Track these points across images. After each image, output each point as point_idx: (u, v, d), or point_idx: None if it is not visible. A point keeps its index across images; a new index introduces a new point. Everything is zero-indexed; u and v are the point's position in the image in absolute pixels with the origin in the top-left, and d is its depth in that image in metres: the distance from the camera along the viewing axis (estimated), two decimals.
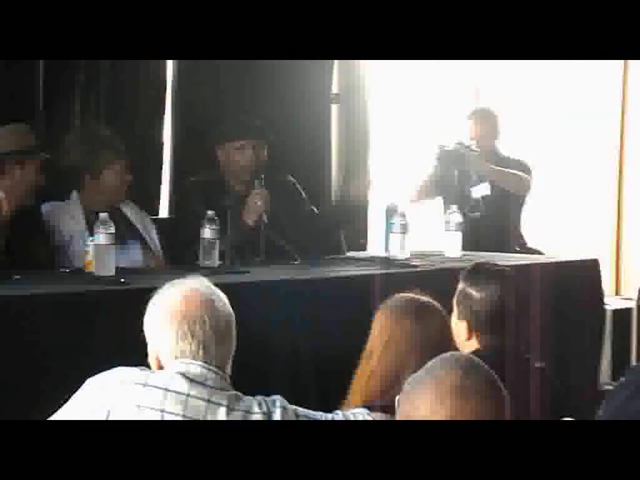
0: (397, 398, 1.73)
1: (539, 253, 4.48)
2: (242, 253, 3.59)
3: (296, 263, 3.65)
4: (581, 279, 4.05)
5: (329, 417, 2.19)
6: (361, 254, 4.27)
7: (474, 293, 2.61)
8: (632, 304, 4.80)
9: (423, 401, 1.66)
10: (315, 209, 4.09)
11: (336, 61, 4.66)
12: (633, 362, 4.53)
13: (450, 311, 2.50)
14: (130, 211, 3.73)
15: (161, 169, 4.37)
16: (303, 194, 4.08)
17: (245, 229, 3.69)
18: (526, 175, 4.56)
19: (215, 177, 3.95)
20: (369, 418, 2.12)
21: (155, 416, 1.99)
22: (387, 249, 3.78)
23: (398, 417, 1.73)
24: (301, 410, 2.14)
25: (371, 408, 2.15)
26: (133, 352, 2.16)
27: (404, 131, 5.34)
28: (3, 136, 3.40)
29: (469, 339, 2.56)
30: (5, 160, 3.34)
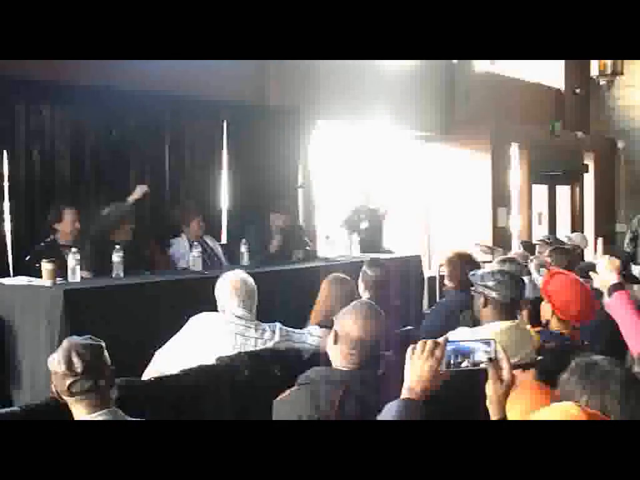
0: (333, 319, 2.97)
1: (390, 252, 7.57)
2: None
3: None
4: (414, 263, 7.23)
5: (304, 331, 4.11)
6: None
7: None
8: (435, 273, 8.01)
9: (347, 320, 2.85)
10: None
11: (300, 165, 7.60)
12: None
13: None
14: (208, 239, 6.58)
15: (221, 214, 7.33)
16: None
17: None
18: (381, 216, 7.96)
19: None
20: (319, 330, 4.10)
21: (231, 333, 3.88)
22: (325, 253, 6.77)
23: (335, 327, 2.87)
24: (288, 329, 4.06)
25: (320, 325, 4.13)
26: (210, 306, 4.12)
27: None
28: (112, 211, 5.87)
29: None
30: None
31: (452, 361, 2.27)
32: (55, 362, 2.57)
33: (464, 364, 2.28)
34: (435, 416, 2.30)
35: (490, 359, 2.28)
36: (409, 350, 2.30)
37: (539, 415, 1.83)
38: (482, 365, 2.28)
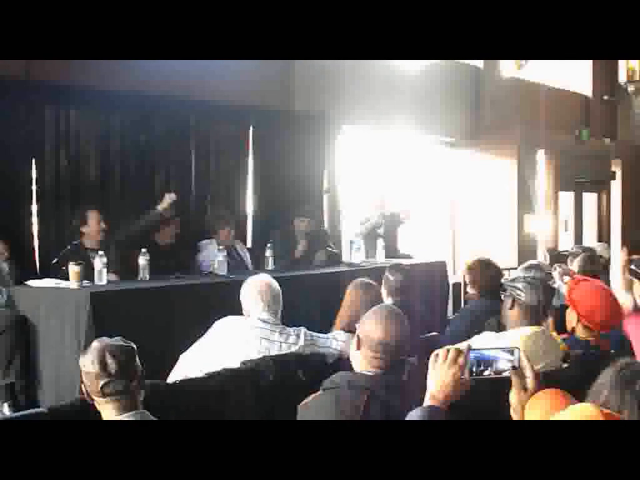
0: (356, 325, 2.97)
1: (410, 257, 7.63)
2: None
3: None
4: (440, 268, 7.32)
5: (328, 336, 4.12)
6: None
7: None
8: (460, 279, 7.73)
9: (369, 323, 2.85)
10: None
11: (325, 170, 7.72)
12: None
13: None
14: (238, 245, 6.67)
15: (247, 219, 7.52)
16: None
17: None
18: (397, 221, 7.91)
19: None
20: (343, 335, 4.11)
21: (257, 337, 3.88)
22: (350, 258, 6.64)
23: (357, 332, 2.88)
24: (313, 333, 4.08)
25: (345, 330, 4.12)
26: (235, 311, 4.16)
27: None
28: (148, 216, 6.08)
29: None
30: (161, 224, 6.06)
31: (475, 369, 2.26)
32: (89, 362, 2.57)
33: (487, 372, 2.27)
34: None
35: (514, 367, 2.26)
36: (432, 357, 2.30)
37: (555, 417, 1.80)
38: (505, 374, 2.27)
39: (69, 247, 5.71)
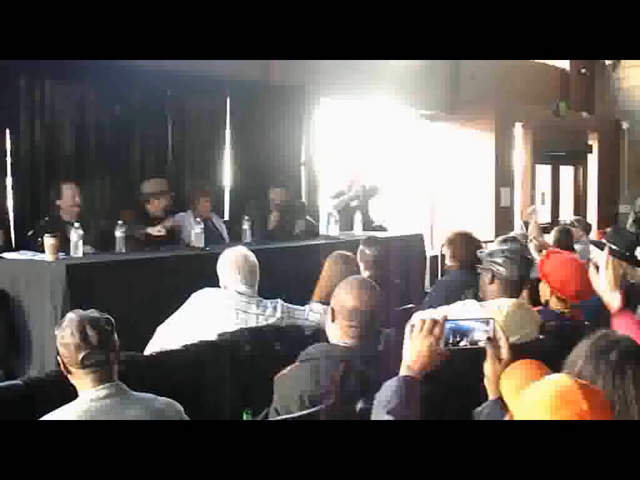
0: (332, 295, 3.03)
1: (384, 228, 7.66)
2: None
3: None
4: (417, 241, 7.38)
5: (306, 308, 4.12)
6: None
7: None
8: (437, 252, 8.03)
9: (342, 294, 2.92)
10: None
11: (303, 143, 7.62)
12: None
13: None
14: (214, 217, 6.58)
15: (224, 191, 7.50)
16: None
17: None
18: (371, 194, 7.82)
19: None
20: (320, 307, 4.10)
21: (233, 309, 3.85)
22: (327, 231, 6.63)
23: (331, 305, 2.95)
24: (290, 305, 4.07)
25: (322, 303, 4.10)
26: (212, 283, 4.12)
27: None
28: (151, 185, 6.17)
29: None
30: (151, 196, 6.06)
31: (451, 340, 2.28)
32: (68, 333, 2.55)
33: (463, 343, 2.30)
34: (434, 394, 2.32)
35: (489, 338, 2.29)
36: (408, 328, 2.31)
37: (529, 388, 1.81)
38: (480, 344, 2.29)
39: (45, 220, 5.65)
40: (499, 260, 3.74)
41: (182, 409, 2.73)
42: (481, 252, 4.00)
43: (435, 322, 2.28)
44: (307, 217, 7.38)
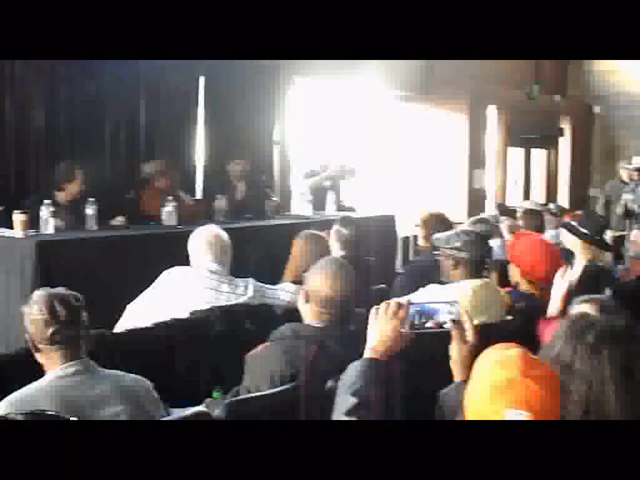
0: (303, 275, 3.14)
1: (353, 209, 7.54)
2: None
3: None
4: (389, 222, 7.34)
5: (277, 287, 4.11)
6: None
7: None
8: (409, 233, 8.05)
9: (316, 279, 2.89)
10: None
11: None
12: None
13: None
14: (182, 195, 6.51)
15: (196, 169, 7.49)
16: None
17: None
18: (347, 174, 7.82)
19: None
20: (292, 287, 4.08)
21: (205, 288, 3.83)
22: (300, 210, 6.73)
23: (303, 287, 2.95)
24: (262, 284, 4.06)
25: (293, 282, 4.12)
26: (183, 261, 4.08)
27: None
28: (151, 165, 6.32)
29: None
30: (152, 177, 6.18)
31: (416, 322, 2.30)
32: (36, 309, 2.53)
33: (427, 325, 2.32)
34: (400, 376, 2.33)
35: (454, 321, 2.31)
36: (372, 311, 2.32)
37: (479, 359, 1.85)
38: (445, 326, 2.32)
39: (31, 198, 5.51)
40: (458, 244, 3.75)
41: (151, 385, 2.72)
42: (437, 238, 3.98)
43: (399, 304, 2.29)
44: (267, 190, 7.37)
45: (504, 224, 6.28)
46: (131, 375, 2.69)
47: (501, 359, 1.77)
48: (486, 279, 3.76)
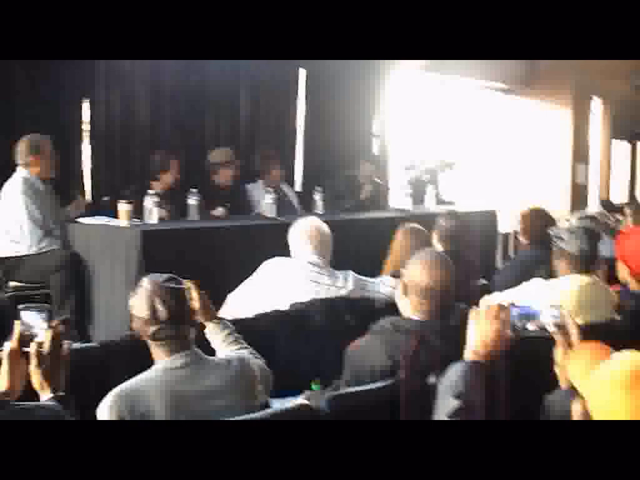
0: (401, 269, 2.99)
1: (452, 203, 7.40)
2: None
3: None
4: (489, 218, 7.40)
5: (377, 280, 4.09)
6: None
7: None
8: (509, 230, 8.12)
9: (415, 270, 2.83)
10: None
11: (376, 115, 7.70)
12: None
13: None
14: (285, 186, 6.59)
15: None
16: None
17: None
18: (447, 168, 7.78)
19: None
20: (391, 280, 4.04)
21: (305, 279, 3.85)
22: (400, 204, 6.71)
23: (403, 278, 2.87)
24: (362, 277, 4.06)
25: (393, 275, 4.09)
26: (283, 253, 4.10)
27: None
28: (217, 154, 6.17)
29: None
30: (219, 166, 6.10)
31: (518, 325, 2.25)
32: (138, 307, 2.52)
33: (530, 328, 2.26)
34: (500, 378, 2.28)
35: (557, 324, 2.24)
36: (473, 313, 2.28)
37: (599, 369, 1.77)
38: (548, 329, 2.26)
39: (131, 188, 5.65)
40: (565, 236, 3.68)
41: (263, 364, 2.81)
42: (551, 230, 3.93)
43: (500, 307, 2.24)
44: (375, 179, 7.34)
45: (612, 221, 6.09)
46: (241, 355, 2.72)
47: (636, 373, 1.68)
48: (595, 276, 3.65)
